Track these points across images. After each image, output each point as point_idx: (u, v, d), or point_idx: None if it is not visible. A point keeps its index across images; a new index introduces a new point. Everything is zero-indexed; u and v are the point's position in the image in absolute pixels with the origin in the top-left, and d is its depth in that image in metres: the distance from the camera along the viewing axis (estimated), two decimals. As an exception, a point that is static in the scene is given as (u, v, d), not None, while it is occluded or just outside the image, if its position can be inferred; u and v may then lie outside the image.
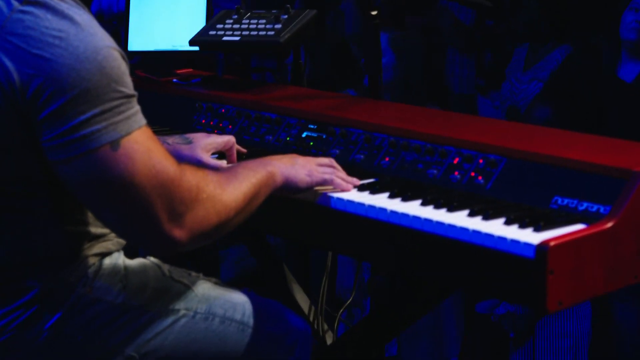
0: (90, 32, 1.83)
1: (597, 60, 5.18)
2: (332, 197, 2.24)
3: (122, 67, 1.86)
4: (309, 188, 2.23)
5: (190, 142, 2.50)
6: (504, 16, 6.23)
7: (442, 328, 4.23)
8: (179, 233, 1.88)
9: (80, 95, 1.79)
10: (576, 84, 4.75)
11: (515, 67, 5.52)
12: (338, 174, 2.28)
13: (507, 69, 5.61)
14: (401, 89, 4.42)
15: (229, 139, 2.57)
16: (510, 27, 5.97)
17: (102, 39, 1.84)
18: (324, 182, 2.25)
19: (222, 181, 1.99)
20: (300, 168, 2.22)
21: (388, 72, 4.42)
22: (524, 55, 5.51)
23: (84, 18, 1.84)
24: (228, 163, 2.54)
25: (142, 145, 1.84)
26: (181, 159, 2.42)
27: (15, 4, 1.81)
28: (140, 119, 1.86)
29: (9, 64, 1.79)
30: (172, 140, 2.51)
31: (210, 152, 2.53)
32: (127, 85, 1.86)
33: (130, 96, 1.85)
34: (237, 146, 2.59)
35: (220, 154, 2.57)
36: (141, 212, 1.85)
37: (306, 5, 2.96)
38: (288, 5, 2.99)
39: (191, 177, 1.91)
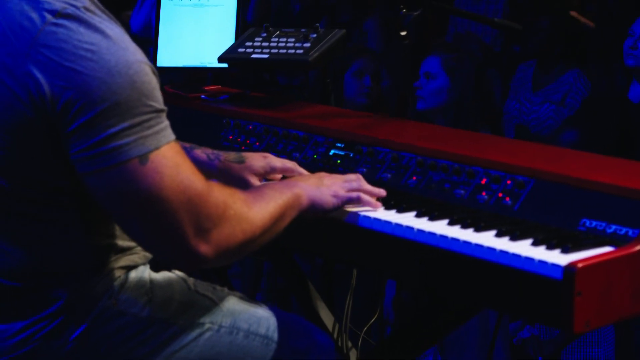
0: (122, 46, 1.84)
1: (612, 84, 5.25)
2: (359, 215, 2.24)
3: (153, 82, 1.86)
4: (335, 209, 2.23)
5: (242, 162, 2.45)
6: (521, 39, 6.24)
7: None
8: (204, 249, 1.88)
9: (110, 109, 1.79)
10: (604, 109, 4.80)
11: (521, 85, 5.53)
12: (365, 188, 2.27)
13: (511, 83, 5.61)
14: (455, 112, 4.41)
15: (291, 167, 2.47)
16: (523, 48, 5.98)
17: (134, 53, 1.85)
18: (350, 202, 2.25)
19: (249, 200, 2.00)
20: (326, 190, 2.22)
21: (442, 95, 4.43)
22: (530, 74, 5.51)
23: (116, 32, 1.85)
24: None
25: (170, 160, 1.84)
26: (229, 178, 2.41)
27: (48, 17, 1.82)
28: (170, 134, 1.87)
29: (40, 76, 1.80)
30: (226, 157, 2.47)
31: (263, 177, 2.44)
32: (157, 99, 1.86)
33: (160, 111, 1.86)
34: (299, 168, 2.49)
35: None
36: (167, 227, 1.85)
37: (331, 26, 2.98)
38: (317, 25, 3.00)
39: (219, 193, 1.91)
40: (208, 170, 2.43)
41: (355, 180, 2.29)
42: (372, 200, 2.26)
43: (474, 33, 6.32)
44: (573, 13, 5.79)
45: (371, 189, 2.29)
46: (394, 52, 5.36)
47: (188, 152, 2.40)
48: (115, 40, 1.83)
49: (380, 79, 4.97)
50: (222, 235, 1.90)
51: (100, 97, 1.78)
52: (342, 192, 2.24)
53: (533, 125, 5.34)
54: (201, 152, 2.47)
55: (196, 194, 1.86)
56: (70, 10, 1.83)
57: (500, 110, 5.65)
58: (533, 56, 5.58)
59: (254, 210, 1.98)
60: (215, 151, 2.49)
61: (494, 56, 6.20)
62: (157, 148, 1.83)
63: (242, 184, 2.39)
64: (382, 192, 2.30)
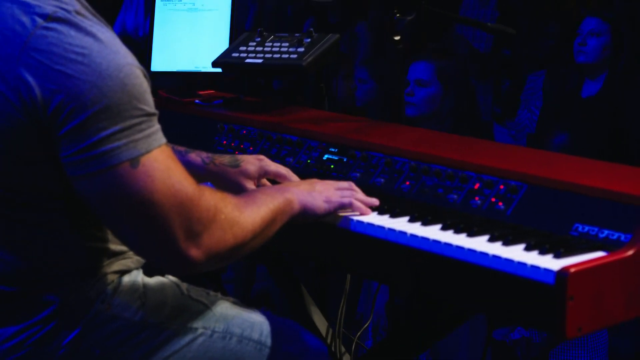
0: (113, 49, 1.83)
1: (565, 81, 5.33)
2: (352, 220, 2.23)
3: (144, 85, 1.86)
4: (327, 214, 2.23)
5: (237, 166, 2.44)
6: (522, 44, 6.25)
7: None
8: (195, 252, 1.88)
9: (101, 112, 1.79)
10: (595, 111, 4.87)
11: (532, 94, 5.54)
12: (357, 197, 2.27)
13: (522, 95, 5.62)
14: (448, 120, 4.39)
15: (284, 173, 2.45)
16: (529, 54, 5.98)
17: (125, 56, 1.85)
18: (342, 207, 2.25)
19: (240, 204, 2.00)
20: (318, 195, 2.22)
21: (434, 103, 4.39)
22: (540, 83, 5.53)
23: (107, 36, 1.85)
24: None
25: (161, 164, 1.84)
26: (224, 182, 2.40)
27: (39, 21, 1.82)
28: (161, 138, 1.87)
29: (31, 79, 1.79)
30: (220, 161, 2.46)
31: (257, 180, 2.43)
32: (149, 103, 1.86)
33: (151, 114, 1.86)
34: (292, 175, 2.47)
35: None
36: (158, 230, 1.85)
37: (318, 29, 2.96)
38: (311, 29, 3.00)
39: (210, 197, 1.91)
40: (203, 174, 2.42)
41: (348, 186, 2.29)
42: (364, 206, 2.26)
43: (464, 37, 6.33)
44: None
45: (363, 197, 2.29)
46: (384, 57, 5.36)
47: (182, 156, 2.40)
48: (106, 44, 1.83)
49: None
50: (213, 239, 1.89)
51: (91, 100, 1.78)
52: (334, 198, 2.23)
53: None
54: (196, 156, 2.46)
55: (187, 197, 1.86)
56: (61, 13, 1.83)
57: (483, 117, 5.66)
58: (542, 62, 5.60)
59: (245, 214, 1.98)
60: (210, 154, 2.48)
61: (482, 60, 6.21)
62: (148, 151, 1.82)
63: (236, 188, 2.38)
64: (375, 201, 2.29)
